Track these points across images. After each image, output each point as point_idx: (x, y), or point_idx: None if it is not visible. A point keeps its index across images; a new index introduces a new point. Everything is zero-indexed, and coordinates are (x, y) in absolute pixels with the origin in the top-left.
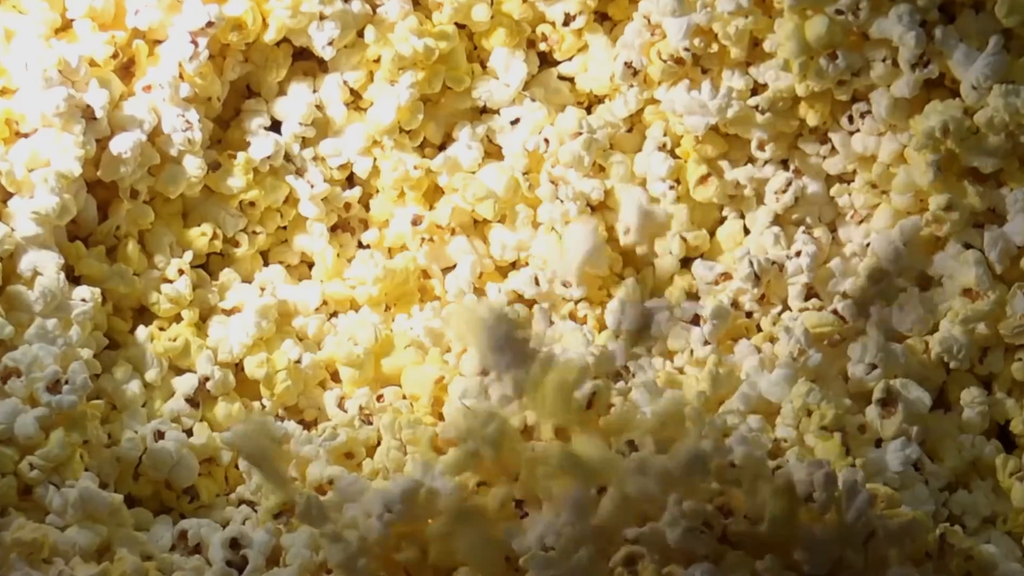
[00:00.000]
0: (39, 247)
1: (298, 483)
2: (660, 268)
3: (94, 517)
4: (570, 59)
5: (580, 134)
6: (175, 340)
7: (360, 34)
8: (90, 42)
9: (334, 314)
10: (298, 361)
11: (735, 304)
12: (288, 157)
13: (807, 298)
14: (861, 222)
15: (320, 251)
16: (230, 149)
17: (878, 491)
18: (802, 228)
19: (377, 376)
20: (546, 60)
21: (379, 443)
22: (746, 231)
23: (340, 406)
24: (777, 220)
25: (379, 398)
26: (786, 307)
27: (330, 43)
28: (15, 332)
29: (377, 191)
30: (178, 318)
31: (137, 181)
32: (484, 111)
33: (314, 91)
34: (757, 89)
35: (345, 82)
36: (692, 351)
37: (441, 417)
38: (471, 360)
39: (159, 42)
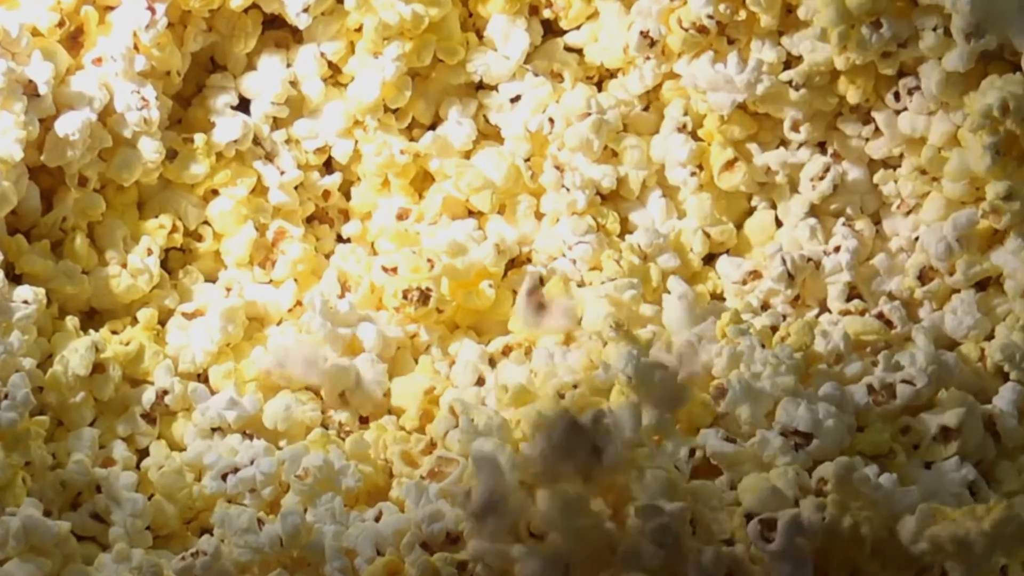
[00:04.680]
0: None
1: None
2: None
3: (38, 549)
4: (578, 28)
5: (589, 114)
6: (128, 344)
7: None
8: (32, 8)
9: None
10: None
11: (765, 306)
12: (257, 140)
13: (848, 299)
14: (909, 213)
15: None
16: (192, 131)
17: (938, 511)
18: (842, 220)
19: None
20: (551, 29)
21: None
22: (778, 223)
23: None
24: (813, 211)
25: (363, 420)
26: (824, 309)
27: (305, 10)
28: None
29: (359, 178)
30: (133, 321)
31: (86, 167)
32: (480, 87)
33: (287, 65)
34: (791, 62)
35: (322, 54)
36: None
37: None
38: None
39: (111, 8)
